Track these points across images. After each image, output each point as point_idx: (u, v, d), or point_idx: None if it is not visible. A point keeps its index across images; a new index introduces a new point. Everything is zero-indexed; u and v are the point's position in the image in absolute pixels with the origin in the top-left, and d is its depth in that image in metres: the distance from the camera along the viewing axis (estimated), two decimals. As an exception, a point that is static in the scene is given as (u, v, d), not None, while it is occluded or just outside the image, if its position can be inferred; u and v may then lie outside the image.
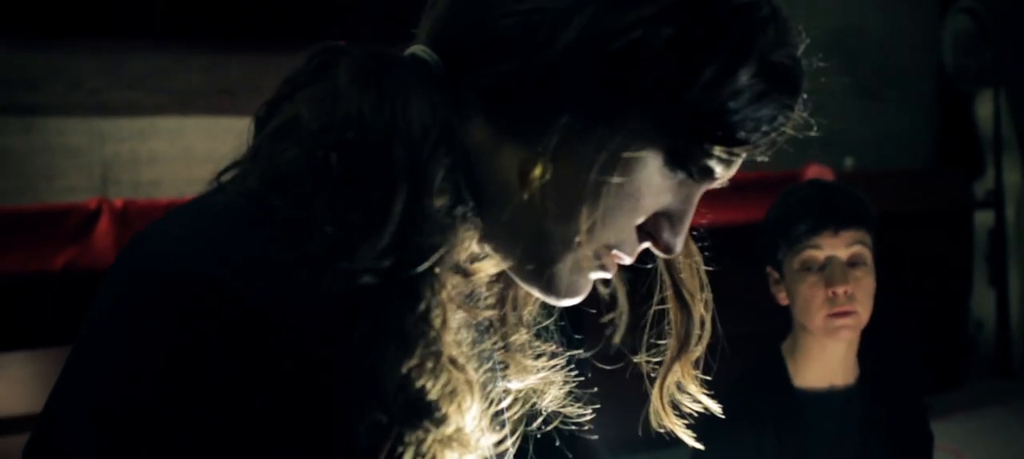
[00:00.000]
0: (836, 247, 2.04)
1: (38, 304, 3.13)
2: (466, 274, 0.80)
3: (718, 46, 0.79)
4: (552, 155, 0.80)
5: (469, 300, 0.83)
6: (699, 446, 0.97)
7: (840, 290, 2.02)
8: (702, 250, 0.97)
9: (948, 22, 5.79)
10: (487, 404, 0.92)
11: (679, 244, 0.86)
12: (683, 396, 0.97)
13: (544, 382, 0.99)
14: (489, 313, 0.91)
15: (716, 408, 0.96)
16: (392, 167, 0.74)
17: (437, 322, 0.75)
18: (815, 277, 2.05)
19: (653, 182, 0.82)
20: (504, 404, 0.99)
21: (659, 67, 0.78)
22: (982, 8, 5.73)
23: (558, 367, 1.00)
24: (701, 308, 0.96)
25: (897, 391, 2.19)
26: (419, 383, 0.73)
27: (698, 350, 0.96)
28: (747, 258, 2.29)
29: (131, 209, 3.31)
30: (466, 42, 0.82)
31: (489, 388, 0.94)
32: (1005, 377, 5.54)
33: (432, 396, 0.74)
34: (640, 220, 0.84)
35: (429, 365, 0.74)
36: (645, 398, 0.98)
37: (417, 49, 0.83)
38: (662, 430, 0.97)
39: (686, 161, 0.82)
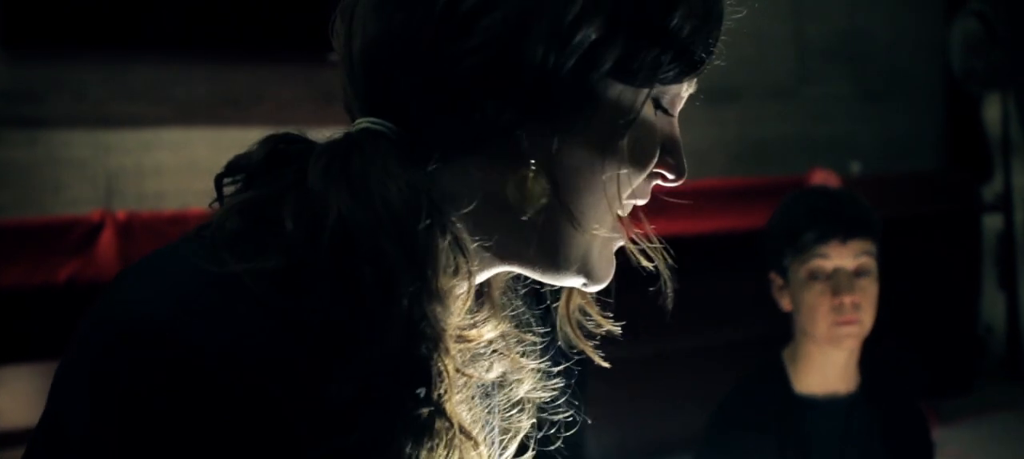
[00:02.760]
0: (843, 256, 2.04)
1: (41, 317, 3.12)
2: (467, 341, 0.81)
3: None
4: (545, 160, 0.80)
5: (473, 358, 0.83)
6: (606, 365, 0.97)
7: (846, 299, 2.03)
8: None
9: (957, 25, 5.78)
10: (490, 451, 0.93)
11: (684, 165, 0.88)
12: (588, 321, 0.97)
13: (523, 370, 0.97)
14: (492, 377, 0.90)
15: (616, 329, 0.97)
16: (388, 266, 0.73)
17: (447, 401, 0.75)
18: (822, 285, 2.05)
19: (648, 129, 0.84)
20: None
21: (624, 36, 0.80)
22: (990, 11, 5.72)
23: (537, 355, 0.98)
24: None
25: (898, 399, 2.19)
26: None
27: None
28: (755, 263, 2.29)
29: (134, 221, 3.31)
30: (416, 97, 0.80)
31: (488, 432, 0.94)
32: (1015, 381, 5.52)
33: None
34: (647, 167, 0.85)
35: (442, 444, 0.74)
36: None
37: (366, 123, 0.81)
38: (574, 351, 0.97)
39: (664, 99, 0.85)
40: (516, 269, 0.87)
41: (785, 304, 2.16)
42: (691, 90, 0.88)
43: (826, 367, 2.11)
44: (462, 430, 0.75)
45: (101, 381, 0.70)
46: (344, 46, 0.84)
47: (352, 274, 0.72)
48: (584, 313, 0.96)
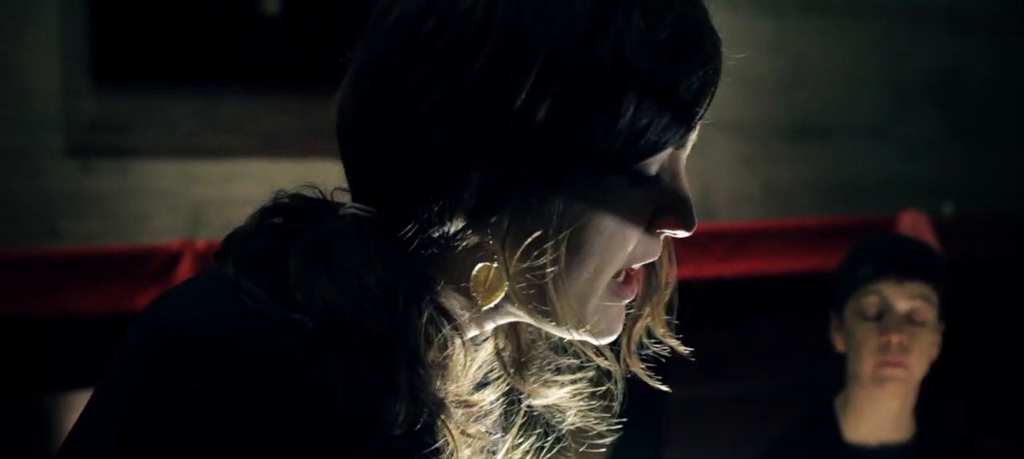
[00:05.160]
0: (897, 296, 2.03)
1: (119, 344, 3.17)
2: (469, 405, 0.83)
3: (615, 74, 0.78)
4: (516, 239, 0.80)
5: (476, 419, 0.85)
6: (664, 388, 0.95)
7: (894, 339, 2.01)
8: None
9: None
10: None
11: (692, 219, 0.85)
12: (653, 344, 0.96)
13: (567, 397, 0.97)
14: (496, 437, 0.91)
15: (684, 349, 0.96)
16: (378, 344, 0.75)
17: None
18: (871, 323, 2.04)
19: (625, 200, 0.81)
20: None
21: (579, 118, 0.78)
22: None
23: (581, 379, 0.98)
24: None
25: (956, 449, 2.16)
26: None
27: (667, 293, 0.94)
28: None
29: (213, 251, 3.34)
30: (397, 181, 0.83)
31: None
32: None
33: None
34: (637, 236, 0.83)
35: None
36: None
37: (353, 208, 0.85)
38: (630, 375, 0.97)
39: (649, 166, 0.82)
40: (525, 321, 0.89)
41: (838, 345, 2.17)
42: (692, 141, 0.85)
43: (876, 415, 2.09)
44: None
45: (161, 389, 0.74)
46: (336, 130, 0.90)
47: (347, 349, 0.74)
48: (650, 335, 0.96)
